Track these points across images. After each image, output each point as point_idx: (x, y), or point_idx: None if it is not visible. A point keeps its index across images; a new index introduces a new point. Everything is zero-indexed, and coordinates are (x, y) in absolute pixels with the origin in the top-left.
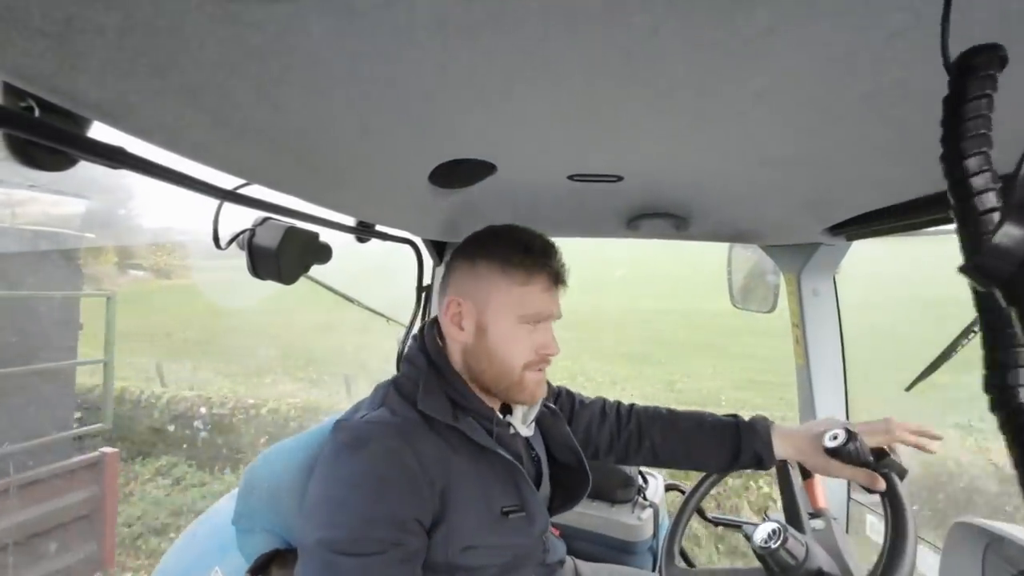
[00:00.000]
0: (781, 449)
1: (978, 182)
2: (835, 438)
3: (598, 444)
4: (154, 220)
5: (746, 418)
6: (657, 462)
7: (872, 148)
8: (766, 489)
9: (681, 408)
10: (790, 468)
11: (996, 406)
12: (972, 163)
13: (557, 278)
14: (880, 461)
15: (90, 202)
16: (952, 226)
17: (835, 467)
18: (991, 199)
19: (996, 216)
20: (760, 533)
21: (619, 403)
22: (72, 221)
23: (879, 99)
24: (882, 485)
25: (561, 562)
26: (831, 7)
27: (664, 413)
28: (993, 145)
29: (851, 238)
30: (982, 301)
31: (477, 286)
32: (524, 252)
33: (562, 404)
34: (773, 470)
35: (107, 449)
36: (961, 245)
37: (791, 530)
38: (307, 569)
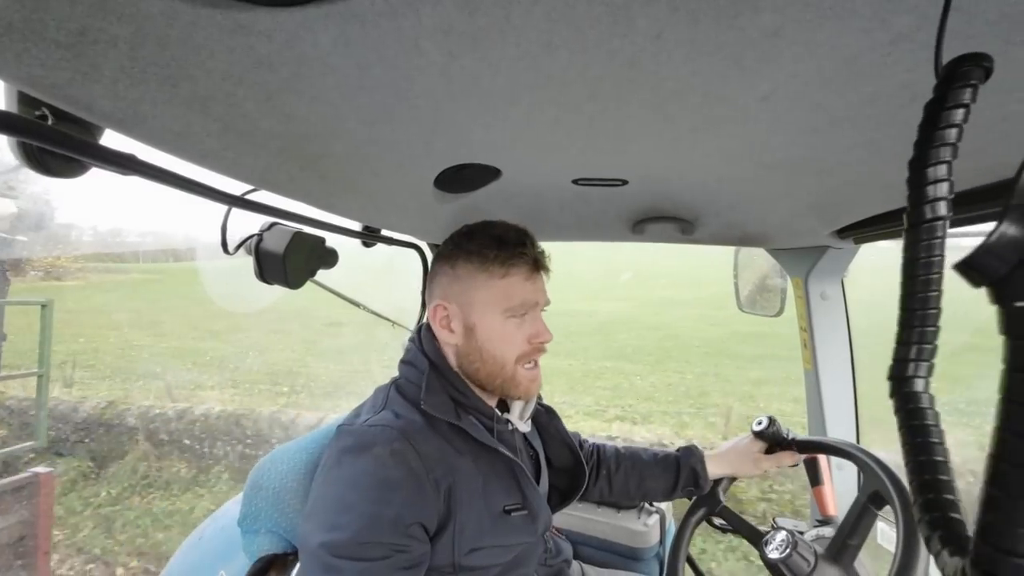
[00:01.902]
0: (715, 467)
1: (935, 190)
2: (760, 423)
3: None
4: (83, 220)
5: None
6: (611, 491)
7: (879, 151)
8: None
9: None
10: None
11: (894, 392)
12: (933, 171)
13: (536, 265)
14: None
15: (21, 202)
16: (958, 229)
17: (760, 461)
18: (942, 208)
19: (942, 225)
20: (768, 540)
21: (585, 440)
22: (2, 223)
23: (885, 101)
24: (798, 458)
25: (567, 562)
26: (836, 10)
27: (617, 447)
28: (959, 156)
29: (859, 241)
30: (906, 300)
31: (459, 287)
32: (499, 245)
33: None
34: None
35: (40, 469)
36: (904, 247)
37: (800, 537)
38: (308, 573)
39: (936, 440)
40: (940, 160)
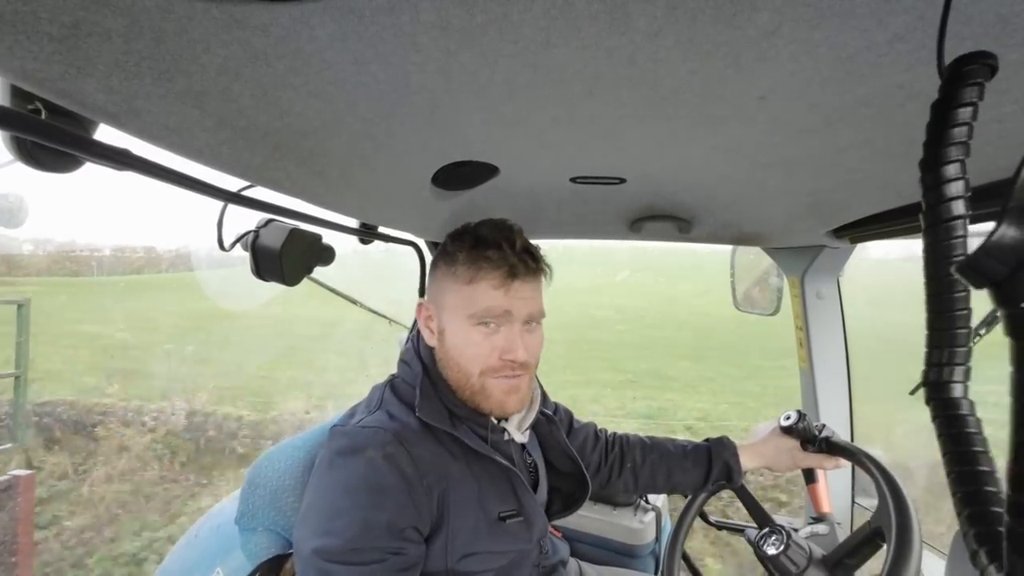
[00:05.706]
0: (747, 460)
1: (951, 189)
2: (788, 418)
3: (587, 465)
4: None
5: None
6: (636, 485)
7: (874, 151)
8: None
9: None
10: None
11: (930, 399)
12: (947, 170)
13: (512, 272)
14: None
15: None
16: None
17: (798, 458)
18: (960, 207)
19: (962, 223)
20: (763, 537)
21: (605, 430)
22: None
23: (882, 101)
24: (842, 462)
25: (563, 563)
26: (833, 10)
27: (643, 438)
28: (971, 154)
29: (855, 241)
30: (932, 302)
31: (436, 288)
32: (472, 247)
33: (560, 419)
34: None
35: (19, 472)
36: (925, 249)
37: (793, 533)
38: None
39: (979, 449)
40: (952, 159)
